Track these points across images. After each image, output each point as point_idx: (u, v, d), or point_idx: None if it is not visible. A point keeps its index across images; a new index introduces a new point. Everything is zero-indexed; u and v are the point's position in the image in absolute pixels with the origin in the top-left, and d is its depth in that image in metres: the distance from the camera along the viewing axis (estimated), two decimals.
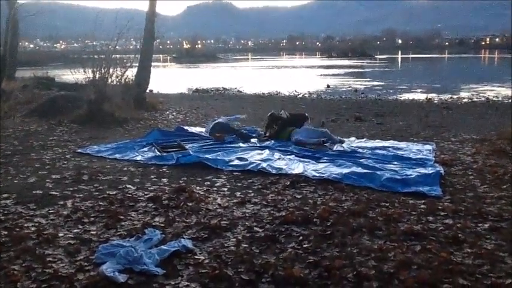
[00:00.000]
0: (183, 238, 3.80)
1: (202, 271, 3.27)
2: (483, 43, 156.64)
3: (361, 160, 6.64)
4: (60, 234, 3.88)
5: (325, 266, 3.34)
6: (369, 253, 3.58)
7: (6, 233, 3.87)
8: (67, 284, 3.05)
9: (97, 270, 3.21)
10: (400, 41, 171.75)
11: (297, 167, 6.31)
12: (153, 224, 4.16)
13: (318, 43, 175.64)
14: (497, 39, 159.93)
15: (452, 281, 3.14)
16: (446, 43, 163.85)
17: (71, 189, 5.23)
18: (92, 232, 3.96)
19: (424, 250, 3.64)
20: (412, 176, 5.71)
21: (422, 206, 4.72)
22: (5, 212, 4.43)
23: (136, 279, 3.15)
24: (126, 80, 12.34)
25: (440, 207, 4.66)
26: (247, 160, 6.63)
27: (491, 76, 32.08)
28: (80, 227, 4.08)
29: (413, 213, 4.52)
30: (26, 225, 4.09)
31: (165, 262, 3.38)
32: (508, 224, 4.22)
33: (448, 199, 4.96)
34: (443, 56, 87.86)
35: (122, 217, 4.31)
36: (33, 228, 4.00)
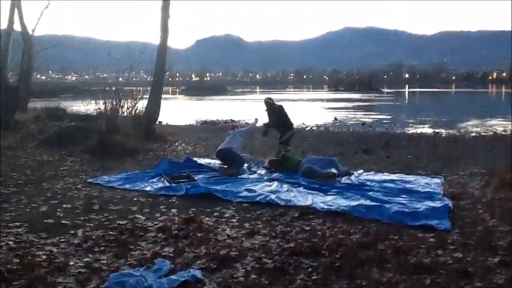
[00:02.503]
0: (193, 268, 3.82)
1: None
2: (490, 77, 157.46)
3: (369, 193, 6.66)
4: (71, 263, 3.92)
5: None
6: (378, 286, 3.58)
7: (18, 260, 3.91)
8: None
9: None
10: (407, 75, 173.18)
11: (305, 199, 6.34)
12: (163, 254, 4.19)
13: (325, 76, 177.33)
14: (504, 74, 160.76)
15: None
16: (453, 77, 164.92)
17: (81, 218, 5.29)
18: (103, 261, 3.99)
19: (433, 283, 3.63)
20: (421, 209, 5.71)
21: (431, 239, 4.71)
22: (17, 240, 4.49)
23: None
24: (137, 112, 12.55)
25: (449, 241, 4.66)
26: (255, 192, 6.67)
27: (498, 110, 32.12)
28: (91, 255, 4.12)
29: (423, 246, 4.51)
30: (37, 253, 4.13)
31: None
32: None
33: (457, 232, 4.96)
34: (451, 90, 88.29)
35: (131, 247, 4.35)
36: (44, 257, 4.04)
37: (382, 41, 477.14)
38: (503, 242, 4.60)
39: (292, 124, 9.72)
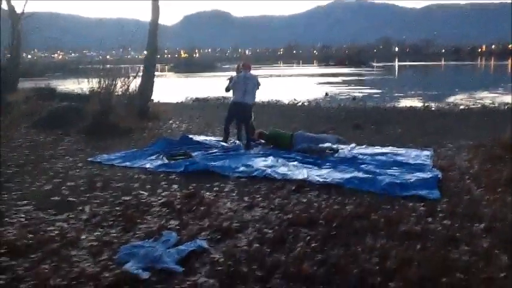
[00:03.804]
0: (198, 239, 4.05)
1: (219, 268, 3.53)
2: (479, 50, 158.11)
3: (362, 166, 6.93)
4: (82, 237, 4.14)
5: (332, 264, 3.61)
6: (372, 251, 3.84)
7: (31, 236, 4.12)
8: (95, 281, 3.30)
9: (121, 269, 3.46)
10: (396, 49, 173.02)
11: (300, 172, 6.58)
12: (169, 226, 4.42)
13: (315, 51, 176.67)
14: (492, 47, 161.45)
15: (450, 276, 3.40)
16: (443, 50, 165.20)
17: (86, 195, 5.48)
18: (112, 235, 4.21)
19: (423, 249, 3.91)
20: (412, 180, 5.98)
21: (421, 208, 4.99)
22: (28, 217, 4.68)
23: (158, 276, 3.40)
24: (130, 90, 12.60)
25: (438, 209, 4.94)
26: (252, 167, 6.89)
27: (487, 83, 32.52)
28: (100, 230, 4.34)
29: (413, 215, 4.79)
30: (48, 229, 4.34)
31: (183, 261, 3.63)
32: (502, 224, 4.48)
33: (446, 202, 5.23)
34: (440, 63, 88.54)
35: (138, 221, 4.57)
36: (56, 232, 4.25)
37: (371, 15, 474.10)
38: (488, 210, 4.89)
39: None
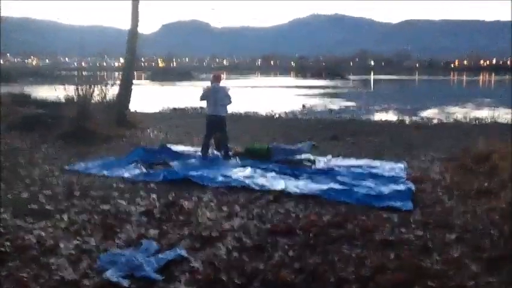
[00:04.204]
0: (178, 248, 4.09)
1: (198, 277, 3.58)
2: (452, 65, 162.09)
3: (338, 177, 7.07)
4: (61, 245, 4.13)
5: (310, 271, 3.70)
6: (349, 260, 3.96)
7: (9, 244, 4.10)
8: None
9: (101, 277, 3.48)
10: (372, 62, 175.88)
11: (278, 183, 6.68)
12: (148, 236, 4.45)
13: (292, 63, 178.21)
14: (465, 62, 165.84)
15: (423, 284, 3.53)
16: (417, 64, 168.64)
17: (64, 204, 5.46)
18: (91, 243, 4.22)
19: (397, 257, 4.04)
20: (386, 192, 6.15)
21: (395, 219, 5.14)
22: (4, 225, 4.64)
23: (138, 284, 3.44)
24: (108, 98, 12.54)
25: (411, 220, 5.10)
26: (231, 177, 6.96)
27: (459, 98, 33.33)
28: (79, 238, 4.34)
29: (387, 225, 4.93)
30: (26, 237, 4.32)
31: (163, 269, 3.67)
32: (472, 234, 4.66)
33: (419, 212, 5.40)
34: (414, 77, 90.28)
35: (117, 230, 4.59)
36: (34, 240, 4.24)
37: (349, 29, 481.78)
38: (459, 221, 5.07)
39: None
